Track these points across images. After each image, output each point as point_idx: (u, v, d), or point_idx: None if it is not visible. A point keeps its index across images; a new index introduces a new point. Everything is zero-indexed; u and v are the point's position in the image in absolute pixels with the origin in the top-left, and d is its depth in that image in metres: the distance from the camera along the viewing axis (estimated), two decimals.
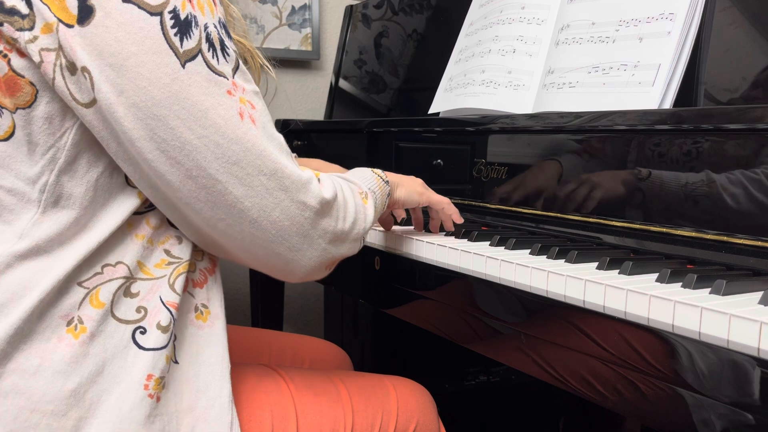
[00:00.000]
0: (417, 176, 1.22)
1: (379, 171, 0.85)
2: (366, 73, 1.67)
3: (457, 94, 1.20)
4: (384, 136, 1.33)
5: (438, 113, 1.24)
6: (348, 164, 1.45)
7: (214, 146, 0.60)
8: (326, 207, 0.68)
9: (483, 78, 1.15)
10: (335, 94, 1.76)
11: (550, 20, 1.08)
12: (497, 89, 1.11)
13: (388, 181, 0.85)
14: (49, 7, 0.55)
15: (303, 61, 1.93)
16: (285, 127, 1.63)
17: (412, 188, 0.90)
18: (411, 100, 1.51)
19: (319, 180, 0.68)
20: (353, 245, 0.74)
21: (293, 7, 1.87)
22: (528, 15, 1.11)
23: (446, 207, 0.93)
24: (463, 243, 0.88)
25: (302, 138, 1.62)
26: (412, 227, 1.04)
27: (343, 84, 1.74)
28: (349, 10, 1.77)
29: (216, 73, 0.60)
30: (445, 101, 1.24)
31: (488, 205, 1.05)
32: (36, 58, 0.56)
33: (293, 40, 1.88)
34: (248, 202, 0.62)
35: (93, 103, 0.58)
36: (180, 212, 0.64)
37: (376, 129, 1.34)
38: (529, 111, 1.04)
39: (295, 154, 1.04)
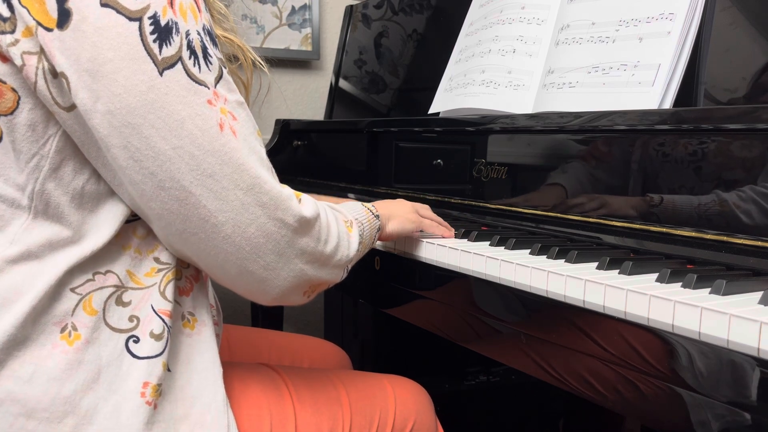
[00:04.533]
0: (417, 176, 1.23)
1: (369, 204, 0.83)
2: (366, 73, 1.67)
3: (457, 94, 1.20)
4: (384, 136, 1.33)
5: (438, 113, 1.24)
6: (348, 164, 1.46)
7: (189, 158, 0.58)
8: (305, 226, 0.66)
9: (483, 78, 1.15)
10: (335, 94, 1.76)
11: (550, 20, 1.08)
12: (497, 89, 1.11)
13: (378, 215, 0.83)
14: (28, 10, 0.54)
15: (303, 61, 1.93)
16: (285, 127, 1.63)
17: (404, 217, 0.88)
18: (411, 100, 1.51)
19: (300, 200, 0.66)
20: (335, 272, 0.72)
21: (293, 7, 1.87)
22: (528, 15, 1.11)
23: (434, 229, 0.92)
24: (463, 243, 0.88)
25: (302, 138, 1.62)
26: None
27: (343, 84, 1.74)
28: (349, 10, 1.77)
29: (196, 82, 0.58)
30: (445, 101, 1.24)
31: (488, 205, 1.05)
32: (18, 62, 0.55)
33: (293, 40, 1.88)
34: (222, 216, 0.60)
35: (73, 107, 0.57)
36: (157, 224, 0.63)
37: (376, 129, 1.34)
38: (529, 111, 1.04)
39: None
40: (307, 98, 1.96)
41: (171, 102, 0.57)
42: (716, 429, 0.55)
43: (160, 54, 0.56)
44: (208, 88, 0.59)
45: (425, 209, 0.95)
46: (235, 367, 0.78)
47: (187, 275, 0.69)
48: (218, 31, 0.68)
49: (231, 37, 0.71)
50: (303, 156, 1.62)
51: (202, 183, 0.59)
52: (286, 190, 0.65)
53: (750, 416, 0.52)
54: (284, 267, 0.65)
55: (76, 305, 0.60)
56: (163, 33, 0.57)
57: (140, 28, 0.56)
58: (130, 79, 0.56)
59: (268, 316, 1.63)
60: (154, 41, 0.56)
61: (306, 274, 0.68)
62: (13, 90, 0.57)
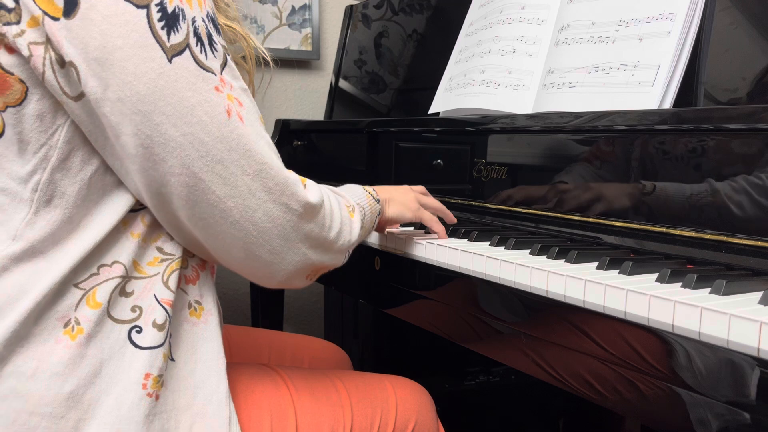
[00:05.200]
0: (417, 176, 1.23)
1: (370, 188, 0.84)
2: (366, 73, 1.67)
3: (457, 94, 1.20)
4: (384, 136, 1.33)
5: (438, 113, 1.24)
6: (348, 164, 1.46)
7: (199, 144, 0.59)
8: (310, 211, 0.67)
9: (483, 78, 1.15)
10: (335, 94, 1.76)
11: (550, 20, 1.08)
12: (497, 89, 1.11)
13: (379, 200, 0.84)
14: (33, 0, 0.54)
15: (303, 61, 1.93)
16: (285, 127, 1.63)
17: (404, 204, 0.88)
18: (411, 100, 1.51)
19: (305, 185, 0.68)
20: (337, 256, 0.73)
21: (293, 7, 1.87)
22: (528, 15, 1.12)
23: (432, 224, 0.92)
24: (463, 243, 0.88)
25: (302, 138, 1.62)
26: (411, 228, 1.04)
27: (343, 84, 1.74)
28: (349, 10, 1.77)
29: (204, 69, 0.59)
30: (445, 101, 1.24)
31: (488, 205, 1.05)
32: (25, 52, 0.55)
33: (293, 40, 1.88)
34: (231, 202, 0.61)
35: (81, 96, 0.57)
36: (164, 210, 0.63)
37: (376, 129, 1.34)
38: (529, 111, 1.04)
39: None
40: (307, 98, 1.96)
41: (180, 89, 0.58)
42: (716, 429, 0.55)
43: (168, 41, 0.57)
44: (215, 75, 0.60)
45: (428, 197, 0.94)
46: (235, 367, 0.78)
47: (193, 264, 0.69)
48: (222, 20, 0.68)
49: (234, 26, 0.71)
50: (303, 156, 1.62)
51: (211, 169, 0.60)
52: (292, 176, 0.66)
53: (749, 416, 0.52)
54: (289, 251, 0.66)
55: (80, 300, 0.61)
56: (171, 20, 0.57)
57: (148, 16, 0.56)
58: (140, 67, 0.56)
59: (268, 316, 1.63)
60: (162, 28, 0.57)
61: (310, 259, 0.69)
62: (21, 81, 0.57)
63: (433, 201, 0.95)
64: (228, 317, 1.81)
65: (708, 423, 0.56)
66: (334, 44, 1.93)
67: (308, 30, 1.89)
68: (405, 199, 0.89)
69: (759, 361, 0.51)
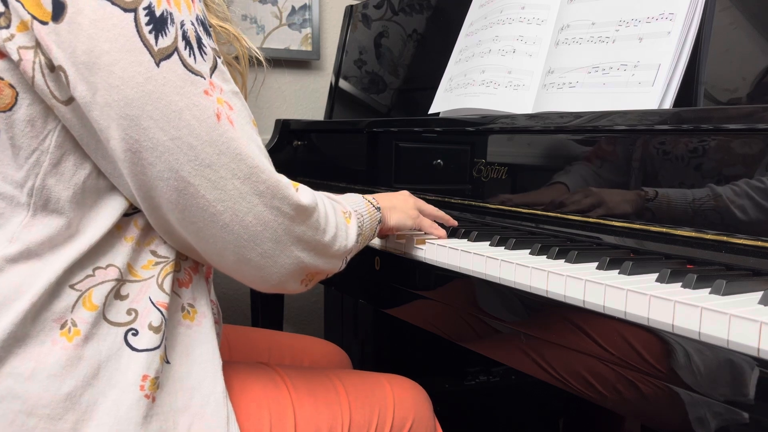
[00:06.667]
0: (417, 176, 1.23)
1: (370, 197, 0.84)
2: (366, 73, 1.67)
3: (457, 94, 1.20)
4: (384, 136, 1.33)
5: (438, 113, 1.24)
6: (348, 164, 1.46)
7: (188, 148, 0.58)
8: (302, 214, 0.66)
9: (483, 78, 1.15)
10: (335, 94, 1.76)
11: (550, 20, 1.08)
12: (497, 89, 1.11)
13: (379, 208, 0.83)
14: (22, 4, 0.54)
15: (303, 61, 1.93)
16: (285, 127, 1.63)
17: (405, 212, 0.89)
18: (411, 100, 1.51)
19: (297, 189, 0.67)
20: (332, 261, 0.72)
21: (293, 7, 1.87)
22: (528, 15, 1.12)
23: (432, 230, 0.92)
24: (463, 243, 0.88)
25: (302, 138, 1.62)
26: None
27: (343, 84, 1.74)
28: (349, 10, 1.77)
29: (192, 73, 0.58)
30: (445, 101, 1.24)
31: (488, 205, 1.05)
32: (15, 57, 0.55)
33: (293, 40, 1.88)
34: (221, 206, 0.61)
35: (71, 101, 0.57)
36: (155, 214, 0.63)
37: (376, 129, 1.34)
38: (529, 111, 1.04)
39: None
40: (307, 98, 1.96)
41: (168, 93, 0.57)
42: (714, 428, 0.55)
43: (156, 45, 0.56)
44: (204, 79, 0.59)
45: (427, 206, 0.95)
46: (234, 365, 0.78)
47: (186, 267, 0.69)
48: (214, 21, 0.68)
49: (226, 26, 0.71)
50: (303, 156, 1.62)
51: (200, 173, 0.59)
52: (284, 179, 0.65)
53: (748, 415, 0.52)
54: (281, 254, 0.66)
55: (76, 301, 0.61)
56: (159, 24, 0.57)
57: (135, 19, 0.56)
58: (127, 71, 0.56)
59: (268, 316, 1.63)
60: (150, 32, 0.56)
61: (303, 262, 0.68)
62: (11, 86, 0.57)
63: (431, 208, 0.95)
64: (228, 317, 1.81)
65: (707, 422, 0.56)
66: (334, 44, 1.93)
67: (308, 30, 1.89)
68: (405, 207, 0.89)
69: (759, 361, 0.51)
